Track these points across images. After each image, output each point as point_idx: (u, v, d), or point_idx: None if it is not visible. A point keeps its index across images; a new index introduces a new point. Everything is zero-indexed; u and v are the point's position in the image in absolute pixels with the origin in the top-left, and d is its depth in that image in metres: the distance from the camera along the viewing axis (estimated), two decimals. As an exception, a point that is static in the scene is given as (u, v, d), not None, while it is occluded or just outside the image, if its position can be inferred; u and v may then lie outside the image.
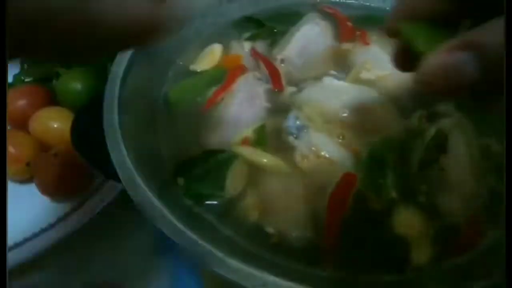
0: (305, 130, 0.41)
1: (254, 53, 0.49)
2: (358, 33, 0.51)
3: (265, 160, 0.39)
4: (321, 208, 0.36)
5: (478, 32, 0.22)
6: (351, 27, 0.52)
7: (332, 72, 0.47)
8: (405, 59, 0.28)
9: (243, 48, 0.50)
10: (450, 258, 0.34)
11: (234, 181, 0.38)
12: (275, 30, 0.53)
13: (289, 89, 0.45)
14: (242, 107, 0.43)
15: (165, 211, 0.31)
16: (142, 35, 0.23)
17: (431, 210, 0.36)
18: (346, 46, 0.50)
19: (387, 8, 0.56)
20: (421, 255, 0.34)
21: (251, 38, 0.51)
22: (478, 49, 0.22)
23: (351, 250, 0.35)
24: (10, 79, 0.67)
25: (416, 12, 0.27)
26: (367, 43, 0.50)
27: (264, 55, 0.49)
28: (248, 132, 0.42)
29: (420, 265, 0.34)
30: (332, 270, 0.33)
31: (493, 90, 0.24)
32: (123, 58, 0.41)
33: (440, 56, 0.23)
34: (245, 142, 0.41)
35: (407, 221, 0.36)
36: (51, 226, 0.51)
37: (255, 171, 0.39)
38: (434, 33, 0.26)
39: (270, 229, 0.36)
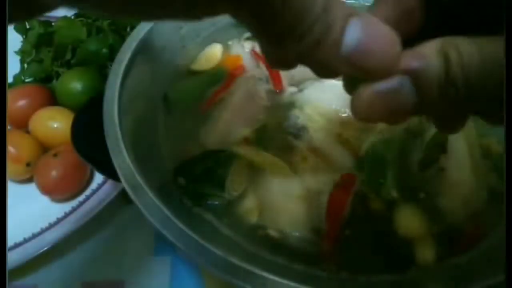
0: (305, 130, 0.41)
1: (254, 53, 0.49)
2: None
3: (265, 160, 0.39)
4: (322, 209, 0.36)
5: (408, 57, 0.21)
6: None
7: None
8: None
9: (243, 48, 0.50)
10: (452, 258, 0.34)
11: (234, 182, 0.38)
12: None
13: (289, 89, 0.45)
14: (242, 107, 0.43)
15: (165, 211, 0.31)
16: None
17: (432, 210, 0.36)
18: None
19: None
20: (425, 255, 0.34)
21: (251, 38, 0.51)
22: (411, 73, 0.21)
23: (351, 251, 0.35)
24: (10, 79, 0.67)
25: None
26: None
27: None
28: (248, 132, 0.42)
29: (426, 264, 0.34)
30: (333, 271, 0.33)
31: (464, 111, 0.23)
32: (123, 58, 0.41)
33: (373, 86, 0.21)
34: (245, 142, 0.41)
35: (408, 221, 0.36)
36: (51, 226, 0.51)
37: (255, 171, 0.39)
38: None
39: (270, 230, 0.36)
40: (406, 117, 0.23)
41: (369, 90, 0.22)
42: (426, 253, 0.34)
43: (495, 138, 0.40)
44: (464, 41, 0.20)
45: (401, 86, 0.21)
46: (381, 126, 0.42)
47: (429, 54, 0.21)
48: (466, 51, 0.20)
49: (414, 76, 0.21)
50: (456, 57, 0.20)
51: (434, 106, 0.21)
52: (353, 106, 0.22)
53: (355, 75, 0.22)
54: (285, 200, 0.37)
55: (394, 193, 0.37)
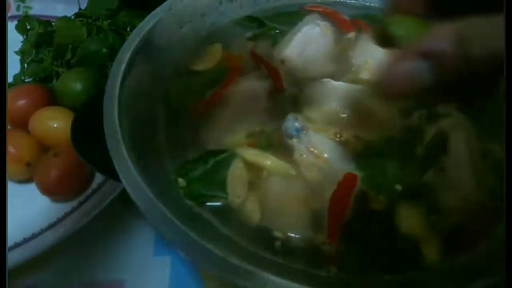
0: (304, 131, 0.41)
1: (252, 54, 0.49)
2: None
3: (266, 161, 0.39)
4: (323, 209, 0.36)
5: (431, 38, 0.24)
6: (346, 19, 0.53)
7: (332, 72, 0.47)
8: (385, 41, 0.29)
9: (245, 47, 0.50)
10: (452, 258, 0.34)
11: (235, 182, 0.38)
12: (276, 30, 0.53)
13: (289, 90, 0.45)
14: (242, 107, 0.43)
15: (165, 211, 0.31)
16: None
17: (432, 210, 0.36)
18: (349, 36, 0.51)
19: (387, 8, 0.56)
20: (427, 254, 0.34)
21: (253, 38, 0.51)
22: (430, 57, 0.23)
23: (354, 251, 0.34)
24: (10, 79, 0.67)
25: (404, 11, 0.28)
26: (368, 28, 0.51)
27: (263, 56, 0.48)
28: (248, 132, 0.41)
29: (428, 264, 0.34)
30: (336, 271, 0.33)
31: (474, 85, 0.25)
32: (123, 57, 0.41)
33: (395, 65, 0.25)
34: (245, 142, 0.41)
35: (408, 220, 0.36)
36: (51, 226, 0.51)
37: (256, 172, 0.39)
38: (412, 22, 0.28)
39: (272, 230, 0.36)
40: (419, 94, 0.25)
41: (390, 70, 0.25)
42: (428, 253, 0.34)
43: (497, 144, 0.40)
44: (478, 21, 0.23)
45: (419, 66, 0.24)
46: (381, 126, 0.42)
47: (445, 35, 0.23)
48: (482, 31, 0.22)
49: (432, 57, 0.23)
50: (472, 35, 0.22)
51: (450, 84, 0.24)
52: (379, 80, 0.26)
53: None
54: (287, 200, 0.37)
55: (394, 193, 0.37)
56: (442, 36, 0.23)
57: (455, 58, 0.23)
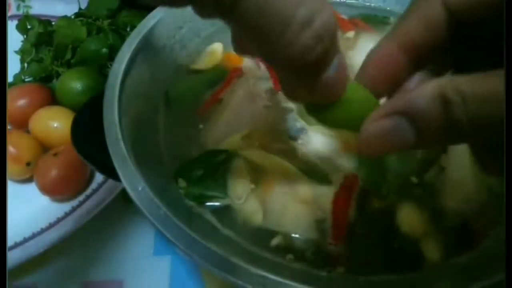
0: (304, 132, 0.41)
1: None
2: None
3: (267, 161, 0.39)
4: (326, 210, 0.36)
5: (412, 96, 0.21)
6: (345, 19, 0.53)
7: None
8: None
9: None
10: (453, 257, 0.34)
11: (236, 182, 0.38)
12: None
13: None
14: (242, 107, 0.43)
15: (165, 211, 0.31)
16: None
17: (432, 209, 0.36)
18: (348, 36, 0.51)
19: (388, 8, 0.56)
20: (429, 254, 0.34)
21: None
22: (409, 115, 0.21)
23: (357, 251, 0.34)
24: (10, 78, 0.67)
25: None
26: (367, 28, 0.51)
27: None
28: (248, 132, 0.41)
29: (430, 264, 0.34)
30: (342, 271, 0.33)
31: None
32: (123, 58, 0.41)
33: (372, 123, 0.23)
34: (245, 142, 0.41)
35: (409, 220, 0.36)
36: (51, 226, 0.51)
37: (257, 172, 0.39)
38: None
39: (274, 231, 0.35)
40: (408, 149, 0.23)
41: (367, 131, 0.23)
42: (428, 253, 0.34)
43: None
44: (464, 80, 0.20)
45: (398, 126, 0.22)
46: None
47: (427, 96, 0.21)
48: (468, 91, 0.20)
49: (413, 118, 0.21)
50: (457, 99, 0.20)
51: (437, 143, 0.22)
52: (359, 143, 0.24)
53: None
54: (289, 201, 0.37)
55: (395, 193, 0.37)
56: (424, 95, 0.21)
57: (439, 121, 0.20)
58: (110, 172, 0.34)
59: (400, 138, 0.22)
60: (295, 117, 0.42)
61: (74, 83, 0.60)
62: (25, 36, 0.70)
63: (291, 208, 0.37)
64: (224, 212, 0.37)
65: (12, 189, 0.56)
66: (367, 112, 0.24)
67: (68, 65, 0.65)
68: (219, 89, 0.45)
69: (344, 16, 0.54)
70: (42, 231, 0.51)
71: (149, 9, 0.47)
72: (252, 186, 0.38)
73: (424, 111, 0.21)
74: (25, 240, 0.50)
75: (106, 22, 0.67)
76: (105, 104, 0.38)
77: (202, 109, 0.44)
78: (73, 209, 0.53)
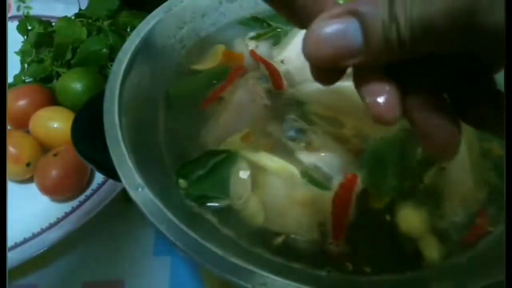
0: (304, 132, 0.41)
1: (253, 54, 0.49)
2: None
3: (268, 162, 0.39)
4: (326, 210, 0.36)
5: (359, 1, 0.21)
6: None
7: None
8: None
9: (247, 47, 0.50)
10: (453, 257, 0.34)
11: (237, 183, 0.38)
12: (278, 30, 0.53)
13: (289, 90, 0.45)
14: (242, 107, 0.43)
15: (166, 211, 0.31)
16: None
17: (432, 209, 0.36)
18: None
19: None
20: (429, 254, 0.34)
21: (255, 37, 0.51)
22: (358, 15, 0.21)
23: (357, 251, 0.34)
24: (10, 79, 0.67)
25: None
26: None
27: (263, 56, 0.48)
28: (248, 132, 0.41)
29: (430, 264, 0.34)
30: (344, 270, 0.33)
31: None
32: (123, 58, 0.41)
33: (322, 24, 0.22)
34: (245, 142, 0.41)
35: (409, 220, 0.36)
36: (51, 226, 0.51)
37: (258, 173, 0.39)
38: None
39: (275, 232, 0.35)
40: (354, 63, 0.23)
41: (317, 30, 0.22)
42: (428, 253, 0.34)
43: (496, 142, 0.40)
44: None
45: (348, 27, 0.22)
46: (381, 126, 0.41)
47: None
48: None
49: (361, 18, 0.21)
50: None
51: (381, 55, 0.22)
52: (303, 47, 0.23)
53: None
54: (290, 201, 0.37)
55: (395, 193, 0.37)
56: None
57: (384, 21, 0.20)
58: (110, 172, 0.34)
59: (349, 41, 0.22)
60: (296, 116, 0.42)
61: (74, 84, 0.60)
62: (25, 37, 0.70)
63: (291, 208, 0.37)
64: (225, 213, 0.37)
65: (12, 189, 0.56)
66: None
67: (68, 66, 0.65)
68: (219, 88, 0.45)
69: None
70: (42, 231, 0.51)
71: (149, 9, 0.47)
72: (253, 186, 0.38)
73: (371, 10, 0.21)
74: (25, 240, 0.50)
75: (106, 23, 0.67)
76: (105, 104, 0.38)
77: (203, 109, 0.44)
78: (73, 209, 0.53)
